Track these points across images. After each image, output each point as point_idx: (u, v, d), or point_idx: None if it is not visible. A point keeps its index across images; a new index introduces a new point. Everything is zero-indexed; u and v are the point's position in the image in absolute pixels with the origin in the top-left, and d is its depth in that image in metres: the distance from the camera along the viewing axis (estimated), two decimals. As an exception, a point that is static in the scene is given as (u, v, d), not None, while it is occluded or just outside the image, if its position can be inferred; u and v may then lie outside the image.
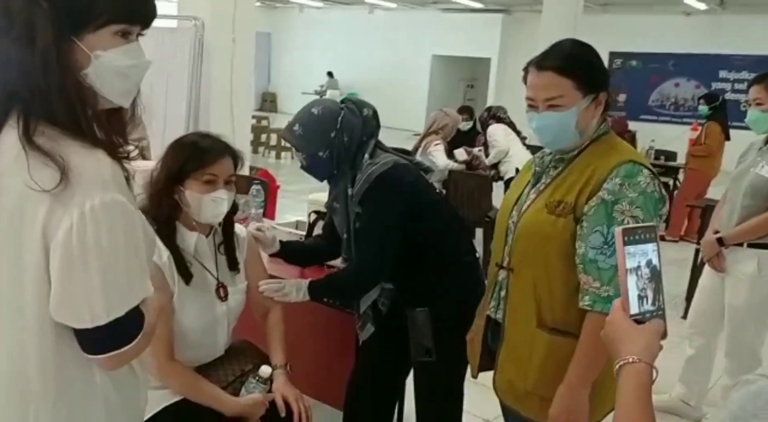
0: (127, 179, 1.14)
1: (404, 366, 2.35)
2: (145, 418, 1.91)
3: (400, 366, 2.35)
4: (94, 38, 1.09)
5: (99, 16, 1.08)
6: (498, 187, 5.92)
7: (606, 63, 10.72)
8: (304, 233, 3.05)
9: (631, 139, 8.83)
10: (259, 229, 2.34)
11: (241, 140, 5.49)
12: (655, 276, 1.04)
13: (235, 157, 2.02)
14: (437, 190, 2.32)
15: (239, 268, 2.12)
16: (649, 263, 1.04)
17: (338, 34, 19.27)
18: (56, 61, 1.07)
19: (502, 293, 1.79)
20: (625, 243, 1.02)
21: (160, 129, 5.33)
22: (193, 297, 1.97)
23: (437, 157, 5.59)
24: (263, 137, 11.99)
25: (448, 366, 2.16)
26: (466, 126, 6.91)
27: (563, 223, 1.64)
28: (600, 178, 1.62)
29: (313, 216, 2.94)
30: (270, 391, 2.05)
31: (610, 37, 14.23)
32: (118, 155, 1.13)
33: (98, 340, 1.11)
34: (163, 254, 1.92)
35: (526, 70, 1.71)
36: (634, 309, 1.03)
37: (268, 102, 20.58)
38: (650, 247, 1.04)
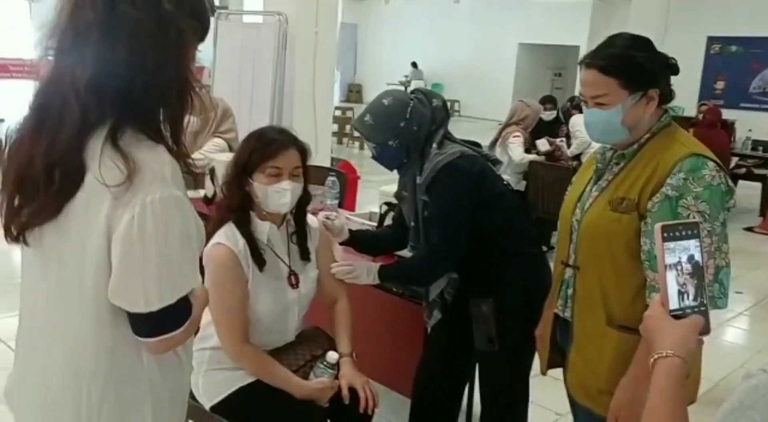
0: (184, 174, 1.22)
1: (471, 354, 2.37)
2: (221, 397, 2.05)
3: (467, 354, 2.37)
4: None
5: (204, 33, 1.26)
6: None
7: (703, 48, 10.25)
8: (375, 224, 3.11)
9: (727, 128, 8.41)
10: (327, 218, 2.41)
11: (323, 131, 5.62)
12: (698, 272, 1.04)
13: (303, 150, 2.10)
14: (504, 182, 2.31)
15: (310, 257, 2.20)
16: (690, 259, 1.03)
17: (423, 25, 19.25)
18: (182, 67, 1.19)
19: (569, 291, 1.79)
20: (665, 240, 1.02)
21: (246, 121, 5.53)
22: (266, 284, 2.06)
23: (513, 149, 5.52)
24: (347, 128, 12.15)
25: (511, 356, 2.17)
26: (549, 116, 6.79)
27: (627, 220, 1.63)
28: (663, 172, 1.59)
29: (384, 208, 2.99)
30: (337, 378, 2.12)
31: (707, 21, 13.57)
32: (178, 152, 1.20)
33: (150, 324, 1.19)
34: (239, 242, 2.02)
35: (579, 64, 1.72)
36: (673, 304, 1.03)
37: (354, 93, 20.84)
38: (692, 243, 1.04)
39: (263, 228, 2.08)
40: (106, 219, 1.13)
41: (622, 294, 1.67)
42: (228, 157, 3.52)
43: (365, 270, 2.25)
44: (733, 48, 14.44)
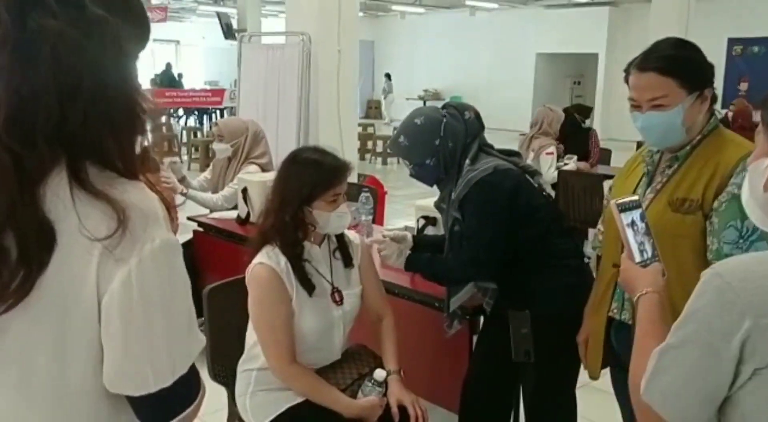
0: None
1: (517, 367, 2.33)
2: (270, 419, 2.04)
3: (513, 367, 2.33)
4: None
5: (145, 42, 1.02)
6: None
7: (724, 50, 10.11)
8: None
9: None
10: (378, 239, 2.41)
11: (348, 148, 5.64)
12: (648, 232, 1.36)
13: (350, 170, 2.13)
14: (544, 193, 2.28)
15: (353, 263, 2.19)
16: (642, 220, 1.36)
17: (440, 39, 19.31)
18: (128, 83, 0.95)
19: (626, 294, 1.76)
20: (620, 211, 1.35)
21: (273, 141, 5.56)
22: (310, 302, 2.05)
23: (544, 167, 5.42)
24: (369, 144, 12.20)
25: (549, 368, 2.13)
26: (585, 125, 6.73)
27: (692, 220, 1.64)
28: (725, 172, 1.60)
29: (422, 222, 2.98)
30: (385, 396, 2.10)
31: (728, 23, 13.47)
32: (153, 186, 0.98)
33: (161, 406, 0.95)
34: (281, 260, 2.02)
35: (627, 71, 1.72)
36: (637, 258, 1.34)
37: (372, 109, 20.92)
38: (638, 212, 1.36)
39: (307, 249, 2.08)
40: (95, 283, 0.88)
41: (687, 295, 1.65)
42: (262, 177, 3.54)
43: (396, 252, 2.28)
44: (756, 49, 14.31)
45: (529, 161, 5.47)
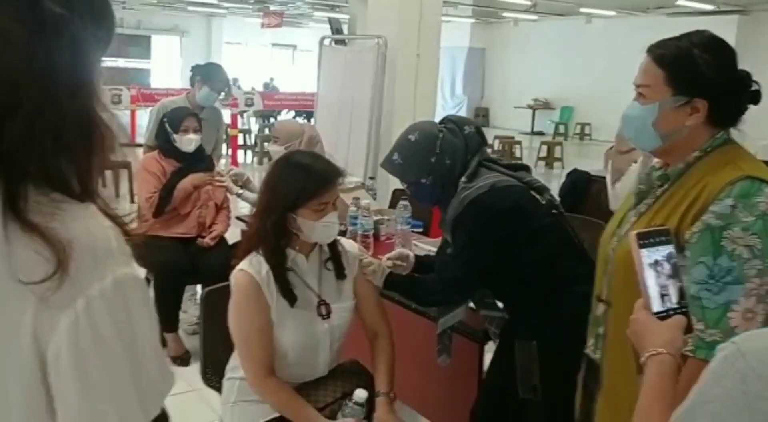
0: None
1: (525, 403, 2.13)
2: (244, 431, 1.95)
3: (521, 402, 2.13)
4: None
5: (108, 44, 0.89)
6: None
7: None
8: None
9: None
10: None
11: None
12: (677, 273, 1.11)
13: (342, 178, 2.01)
14: (554, 211, 2.06)
15: (346, 275, 2.07)
16: (669, 259, 1.11)
17: (553, 46, 18.71)
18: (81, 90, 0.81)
19: (600, 330, 1.55)
20: (641, 247, 1.10)
21: (345, 142, 5.54)
22: (293, 314, 1.95)
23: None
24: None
25: (559, 406, 1.91)
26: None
27: None
28: (708, 197, 1.34)
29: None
30: (371, 419, 1.96)
31: None
32: (106, 208, 0.83)
33: None
34: (263, 269, 1.92)
35: None
36: (657, 306, 1.10)
37: (480, 117, 20.61)
38: (667, 248, 1.11)
39: (292, 257, 1.97)
40: (32, 335, 0.75)
41: None
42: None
43: (381, 270, 2.12)
44: None
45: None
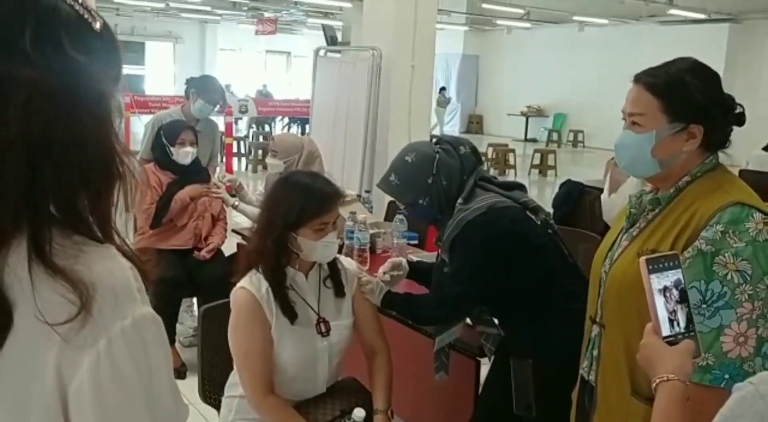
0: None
1: (519, 420, 2.15)
2: (242, 449, 1.96)
3: (516, 419, 2.15)
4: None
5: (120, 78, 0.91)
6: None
7: None
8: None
9: None
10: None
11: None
12: (685, 298, 1.13)
13: (342, 198, 2.03)
14: (549, 231, 2.08)
15: (345, 293, 2.08)
16: (677, 285, 1.13)
17: (546, 54, 18.81)
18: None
19: (595, 352, 1.57)
20: (651, 272, 1.12)
21: (340, 153, 5.56)
22: (292, 331, 1.96)
23: None
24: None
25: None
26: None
27: None
28: (700, 222, 1.36)
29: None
30: (369, 436, 1.97)
31: None
32: (123, 249, 0.86)
33: None
34: (263, 287, 1.94)
35: None
36: (665, 331, 1.12)
37: (474, 124, 20.68)
38: (676, 274, 1.13)
39: (291, 275, 1.99)
40: (55, 372, 0.78)
41: None
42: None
43: (379, 289, 2.13)
44: None
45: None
